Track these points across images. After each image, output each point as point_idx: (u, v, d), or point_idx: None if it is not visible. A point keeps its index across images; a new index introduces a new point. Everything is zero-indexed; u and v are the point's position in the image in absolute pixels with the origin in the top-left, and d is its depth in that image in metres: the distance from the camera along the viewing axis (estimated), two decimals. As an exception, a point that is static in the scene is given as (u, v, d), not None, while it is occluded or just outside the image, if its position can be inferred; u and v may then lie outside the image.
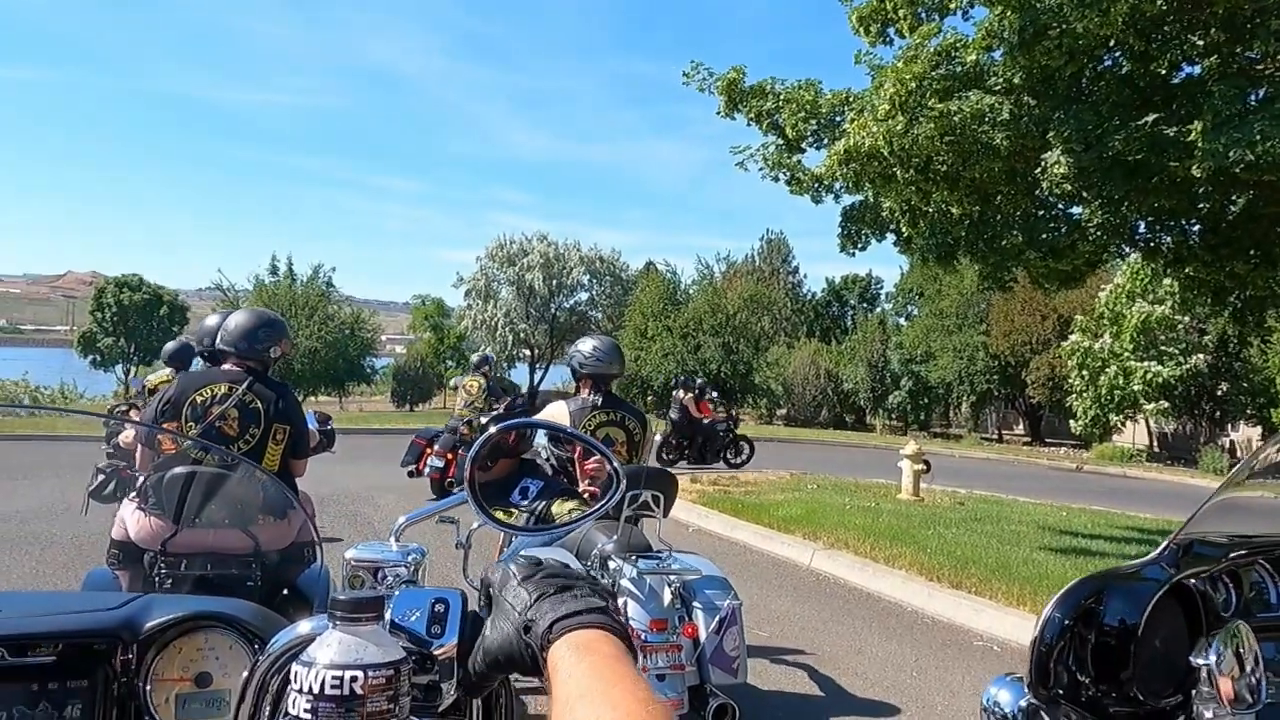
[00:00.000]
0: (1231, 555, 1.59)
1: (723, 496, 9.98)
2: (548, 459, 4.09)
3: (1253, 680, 1.32)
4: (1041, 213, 7.42)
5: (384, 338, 36.78)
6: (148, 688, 1.20)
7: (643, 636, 2.94)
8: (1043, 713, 1.51)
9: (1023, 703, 1.57)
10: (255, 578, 2.92)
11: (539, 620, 0.76)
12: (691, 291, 37.51)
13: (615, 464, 1.25)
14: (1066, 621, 1.53)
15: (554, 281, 38.61)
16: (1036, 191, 7.04)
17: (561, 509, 3.56)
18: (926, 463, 11.37)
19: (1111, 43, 6.90)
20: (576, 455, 4.01)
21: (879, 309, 40.61)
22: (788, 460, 15.60)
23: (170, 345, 6.12)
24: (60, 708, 1.15)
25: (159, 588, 2.93)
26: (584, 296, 40.61)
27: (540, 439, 3.95)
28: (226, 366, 3.42)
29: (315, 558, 3.14)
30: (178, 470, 2.92)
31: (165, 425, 3.24)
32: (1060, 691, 1.47)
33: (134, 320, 25.17)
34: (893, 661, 4.86)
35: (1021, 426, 35.34)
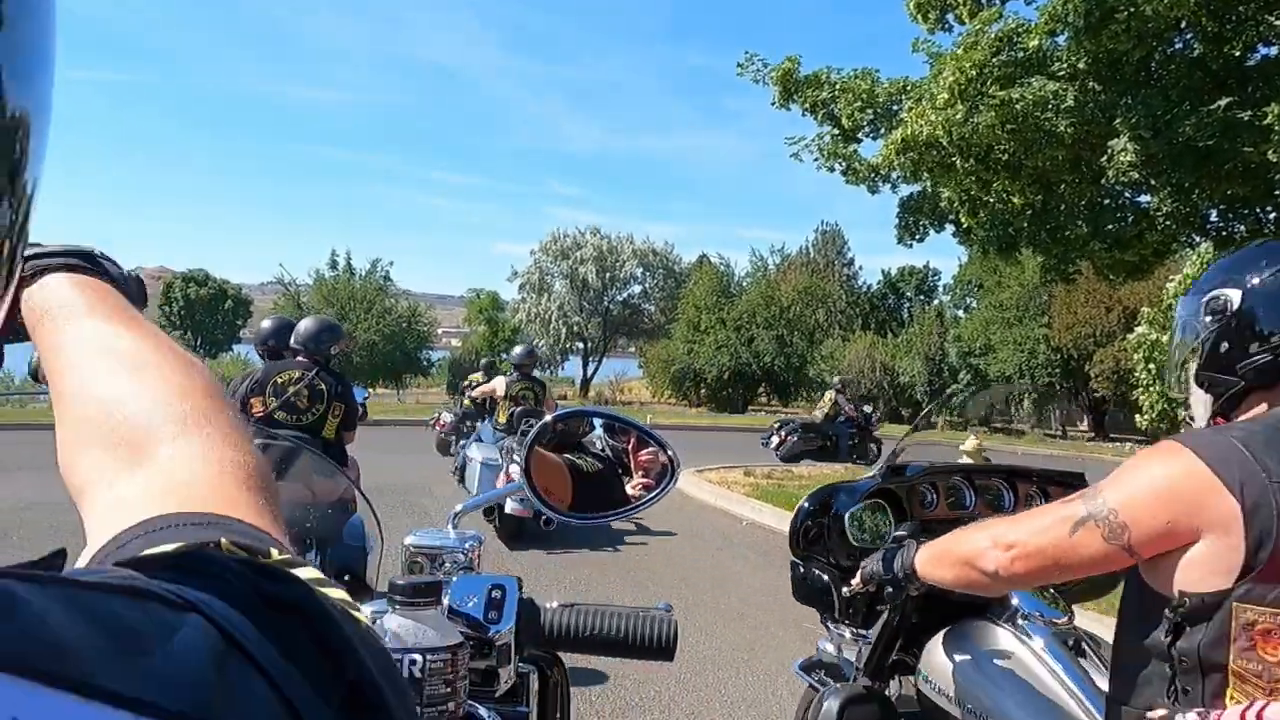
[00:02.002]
0: (926, 473, 2.32)
1: (776, 490, 9.92)
2: (602, 449, 4.18)
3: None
4: (1107, 201, 7.23)
5: (440, 330, 37.34)
6: None
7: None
8: (799, 564, 2.20)
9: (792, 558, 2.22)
10: (311, 518, 3.46)
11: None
12: (745, 284, 37.32)
13: (671, 453, 1.29)
14: (812, 508, 2.16)
15: (607, 274, 38.74)
16: (1102, 180, 6.86)
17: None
18: (986, 459, 11.16)
19: (1182, 24, 6.68)
20: (630, 446, 4.05)
21: (936, 301, 39.95)
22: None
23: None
24: None
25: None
26: (637, 289, 40.70)
27: (598, 428, 4.06)
28: (299, 359, 4.43)
29: (355, 509, 3.61)
30: (258, 441, 3.68)
31: (252, 400, 4.27)
32: (807, 551, 2.18)
33: (200, 314, 25.91)
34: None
35: (1085, 422, 34.50)
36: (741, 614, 5.42)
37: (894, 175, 7.58)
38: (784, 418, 15.83)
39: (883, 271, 42.34)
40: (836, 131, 7.83)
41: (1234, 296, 1.34)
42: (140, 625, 0.28)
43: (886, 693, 2.02)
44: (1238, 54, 6.82)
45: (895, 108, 7.83)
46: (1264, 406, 1.31)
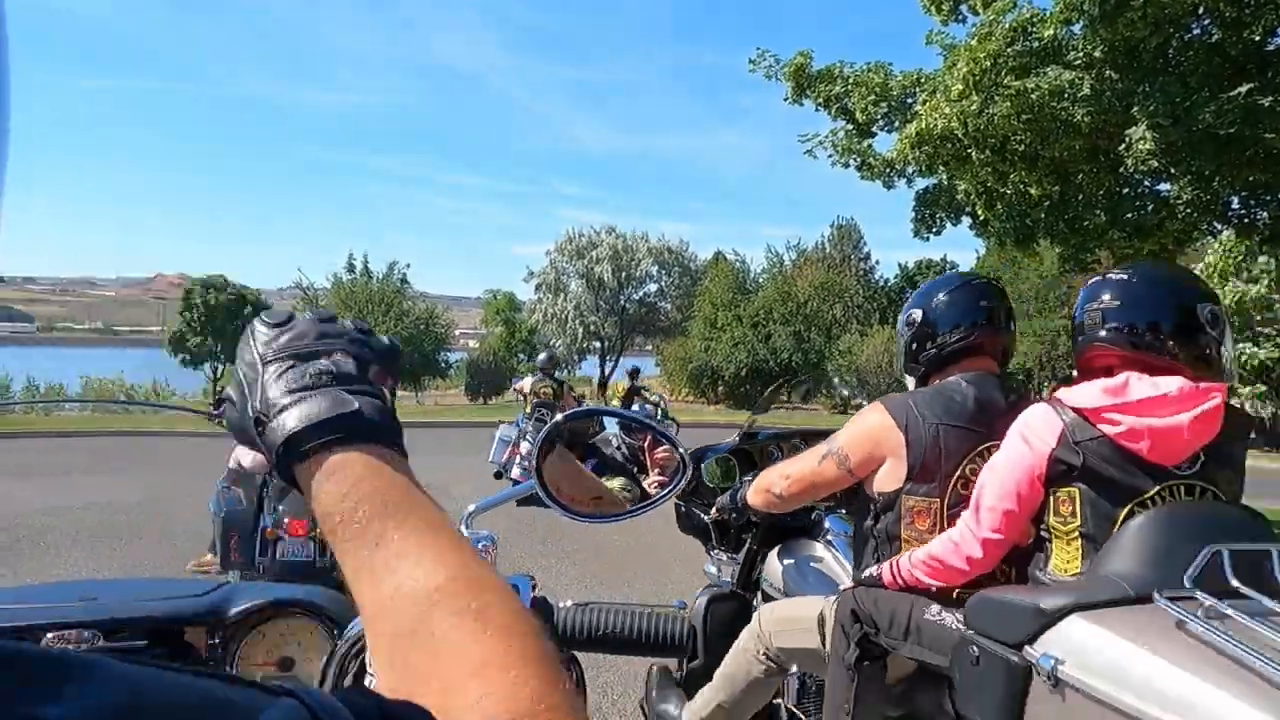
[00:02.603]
0: (772, 437, 3.00)
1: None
2: (618, 447, 4.31)
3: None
4: (1126, 191, 7.15)
5: (457, 332, 37.47)
6: (234, 672, 1.23)
7: None
8: (681, 505, 2.92)
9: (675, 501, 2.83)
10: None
11: (273, 426, 0.57)
12: (761, 280, 37.22)
13: (682, 450, 1.29)
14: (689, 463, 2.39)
15: (623, 273, 38.73)
16: (1120, 169, 6.78)
17: (611, 484, 3.75)
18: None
19: (1200, 10, 6.59)
20: (646, 444, 4.09)
21: (954, 294, 39.71)
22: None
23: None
24: None
25: (267, 493, 4.41)
26: (653, 288, 40.65)
27: (612, 427, 4.19)
28: None
29: None
30: None
31: None
32: (688, 496, 2.82)
33: (220, 320, 26.07)
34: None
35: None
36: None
37: (909, 169, 7.53)
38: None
39: (899, 265, 42.12)
40: (850, 126, 7.78)
41: (918, 314, 2.12)
42: (235, 697, 0.30)
43: (754, 600, 2.63)
44: (1257, 39, 6.72)
45: (909, 101, 7.78)
46: (937, 381, 2.08)
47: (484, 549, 1.09)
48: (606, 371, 36.15)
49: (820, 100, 8.14)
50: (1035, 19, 6.93)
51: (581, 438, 3.89)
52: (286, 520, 4.27)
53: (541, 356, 10.71)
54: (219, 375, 27.04)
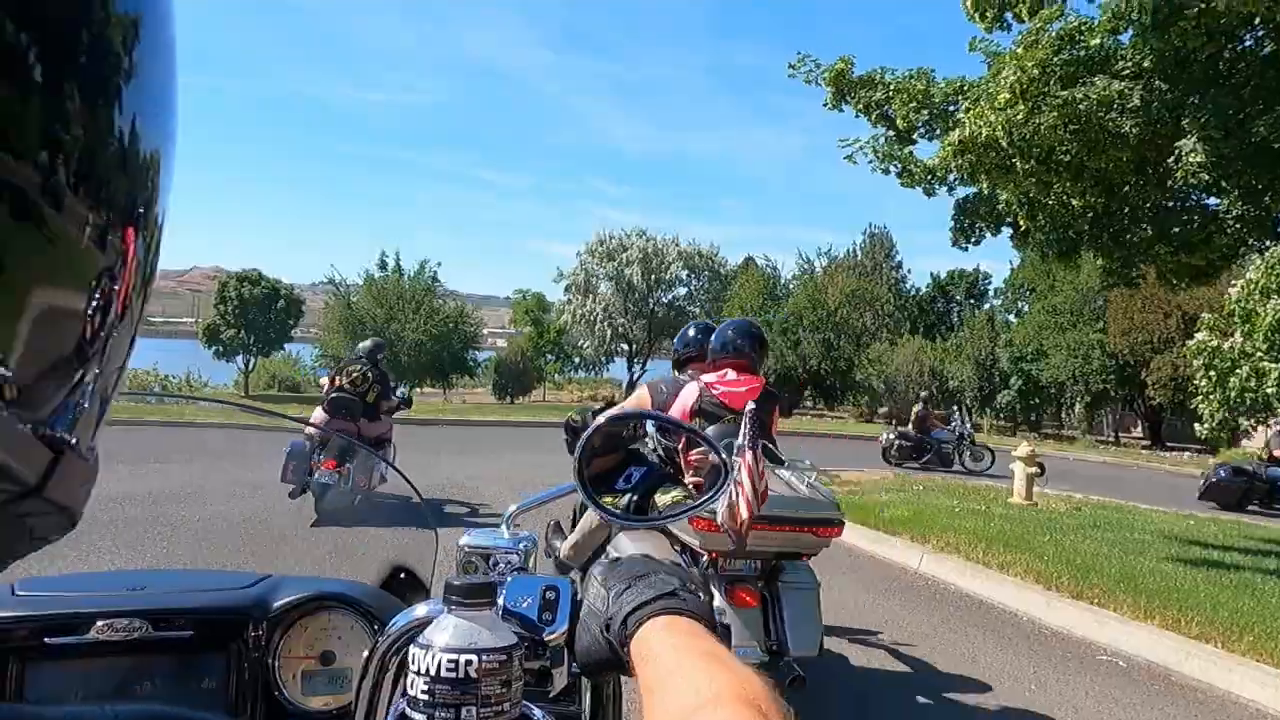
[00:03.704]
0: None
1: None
2: (654, 449, 4.13)
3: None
4: (1173, 204, 7.00)
5: (486, 331, 37.56)
6: (276, 664, 1.25)
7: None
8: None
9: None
10: (356, 438, 7.62)
11: (615, 617, 0.75)
12: (791, 286, 37.02)
13: (723, 456, 1.22)
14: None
15: (652, 276, 38.70)
16: (1168, 182, 6.64)
17: (664, 498, 3.68)
18: (1041, 465, 10.93)
19: (1255, 21, 6.44)
20: (680, 446, 4.01)
21: (987, 305, 39.25)
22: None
23: (369, 344, 8.66)
24: (197, 680, 1.22)
25: (319, 446, 6.45)
26: (682, 291, 40.56)
27: (649, 429, 3.94)
28: (362, 360, 8.24)
29: (390, 448, 8.25)
30: (336, 396, 7.89)
31: (336, 377, 8.20)
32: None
33: (253, 313, 26.29)
34: (1009, 673, 4.66)
35: (1140, 429, 33.59)
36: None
37: (951, 177, 7.42)
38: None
39: (931, 275, 41.81)
40: (891, 133, 7.70)
41: (693, 334, 4.31)
42: None
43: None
44: (1314, 52, 6.58)
45: (952, 108, 7.68)
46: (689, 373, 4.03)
47: (525, 550, 1.08)
48: (634, 375, 36.11)
49: (860, 106, 8.05)
50: (1083, 27, 6.82)
51: (624, 442, 3.67)
52: (323, 459, 6.48)
53: (367, 344, 8.63)
54: (251, 368, 27.33)
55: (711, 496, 1.24)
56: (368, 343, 8.54)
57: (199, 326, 30.38)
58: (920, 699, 4.22)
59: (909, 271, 40.38)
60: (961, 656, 4.90)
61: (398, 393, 8.71)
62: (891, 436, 16.37)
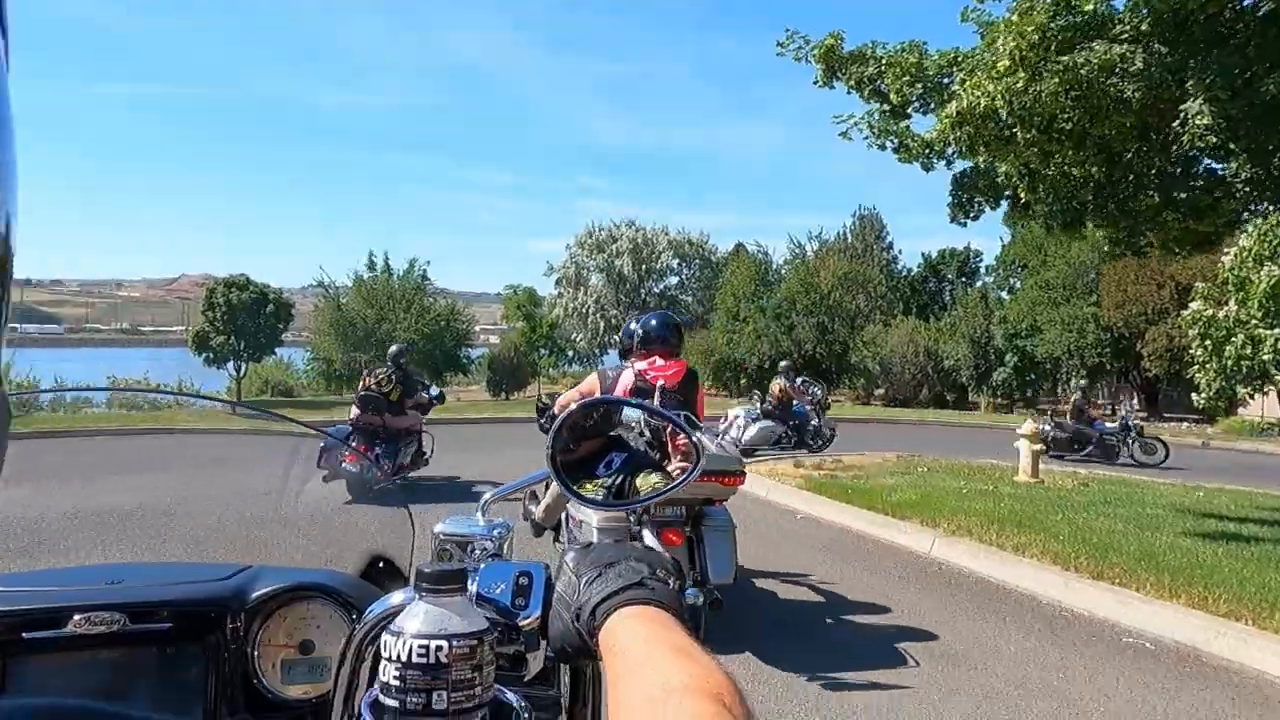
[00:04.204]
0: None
1: (830, 481, 9.63)
2: (640, 433, 4.57)
3: None
4: (1179, 170, 6.81)
5: (478, 328, 37.27)
6: (256, 653, 1.26)
7: None
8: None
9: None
10: (380, 433, 8.75)
11: (584, 606, 0.76)
12: (783, 271, 36.81)
13: (696, 438, 1.29)
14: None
15: (643, 266, 38.53)
16: (1174, 147, 6.46)
17: (645, 482, 3.95)
18: (1045, 442, 10.79)
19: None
20: (668, 431, 4.16)
21: (979, 283, 39.06)
22: (890, 441, 15.07)
23: (394, 349, 9.67)
24: (177, 671, 1.23)
25: (354, 434, 8.41)
26: (673, 281, 40.42)
27: (634, 414, 4.37)
28: (389, 363, 9.22)
29: (420, 439, 9.38)
30: (364, 394, 8.88)
31: (365, 377, 9.25)
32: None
33: (242, 319, 25.97)
34: (1035, 660, 4.50)
35: (1135, 401, 33.54)
36: (804, 612, 5.17)
37: (949, 151, 7.21)
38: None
39: (923, 255, 41.52)
40: (886, 108, 7.49)
41: (634, 326, 4.94)
42: None
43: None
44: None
45: (946, 81, 7.48)
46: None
47: (499, 536, 1.09)
48: (628, 365, 35.91)
49: (852, 83, 7.85)
50: (1077, -8, 6.62)
51: (602, 428, 4.10)
52: (355, 443, 7.75)
53: (393, 348, 9.60)
54: (242, 374, 27.03)
55: (685, 478, 1.27)
56: (394, 348, 9.65)
57: (188, 334, 30.03)
58: (948, 690, 4.04)
59: (900, 252, 40.25)
60: (985, 644, 4.73)
61: (431, 391, 9.77)
62: (1046, 427, 14.70)
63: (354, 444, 7.53)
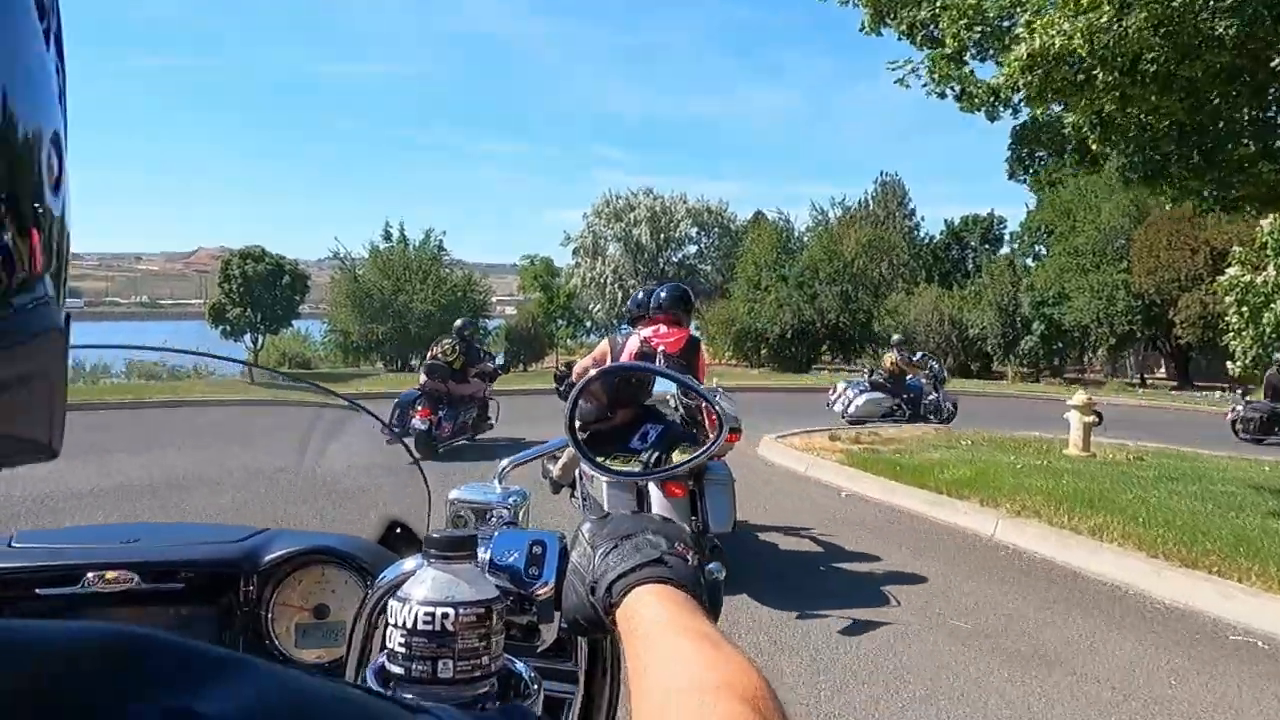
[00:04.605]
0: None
1: (872, 456, 9.13)
2: (676, 407, 4.90)
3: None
4: (1277, 116, 6.19)
5: (494, 299, 36.84)
6: (269, 616, 1.25)
7: None
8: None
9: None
10: (444, 398, 9.45)
11: (600, 580, 0.73)
12: (805, 239, 36.09)
13: (719, 407, 1.26)
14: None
15: (661, 235, 37.92)
16: (1271, 90, 5.85)
17: (683, 456, 4.00)
18: (1098, 414, 10.24)
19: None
20: (703, 405, 4.09)
21: (1003, 250, 38.20)
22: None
23: (459, 322, 10.54)
24: (191, 632, 1.20)
25: (420, 398, 9.36)
26: (692, 249, 39.80)
27: (669, 387, 4.81)
28: (452, 336, 10.02)
29: (487, 407, 10.36)
30: (429, 363, 9.71)
31: (433, 347, 10.08)
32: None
33: (259, 291, 25.63)
34: (1141, 665, 4.00)
35: (1164, 370, 32.73)
36: (861, 604, 4.69)
37: (1016, 97, 6.61)
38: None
39: (945, 221, 40.66)
40: (945, 53, 6.89)
41: (642, 296, 5.68)
42: (379, 712, 0.33)
43: None
44: None
45: (1007, 24, 6.88)
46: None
47: (515, 504, 1.04)
48: (647, 336, 35.44)
49: (904, 28, 7.24)
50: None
51: (630, 397, 4.76)
52: (419, 408, 9.13)
53: (458, 322, 10.64)
54: (259, 346, 26.72)
55: (709, 448, 1.41)
56: (458, 321, 10.57)
57: (205, 307, 29.72)
58: (1048, 700, 3.55)
59: (923, 219, 39.44)
60: (1077, 644, 4.24)
61: (495, 361, 10.95)
62: (1239, 408, 13.93)
63: (419, 407, 9.15)
